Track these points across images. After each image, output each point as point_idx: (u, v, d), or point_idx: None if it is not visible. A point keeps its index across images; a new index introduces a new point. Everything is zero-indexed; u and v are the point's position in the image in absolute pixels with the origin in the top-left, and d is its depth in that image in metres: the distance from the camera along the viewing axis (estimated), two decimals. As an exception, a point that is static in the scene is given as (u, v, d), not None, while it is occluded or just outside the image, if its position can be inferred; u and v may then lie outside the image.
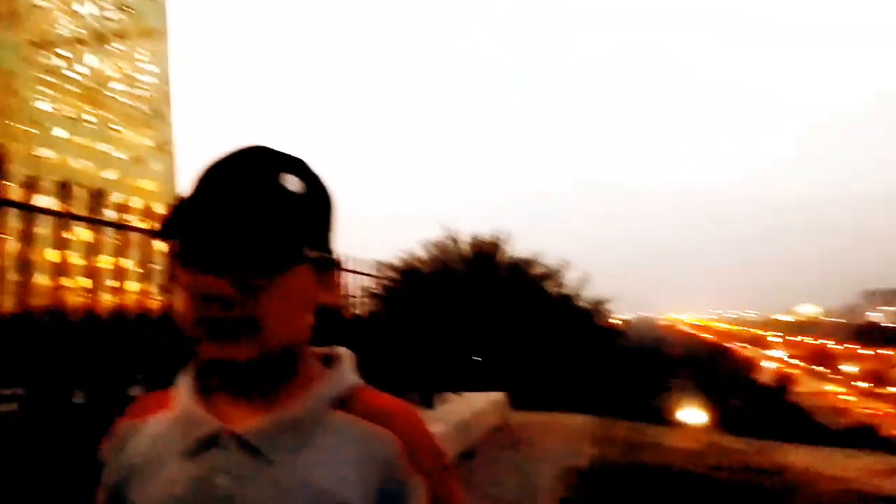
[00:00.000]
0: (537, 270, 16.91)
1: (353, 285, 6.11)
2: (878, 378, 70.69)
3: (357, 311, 6.31)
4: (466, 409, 7.89)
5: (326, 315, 0.88)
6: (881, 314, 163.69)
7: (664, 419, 16.69)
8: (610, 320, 17.77)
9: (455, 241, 16.85)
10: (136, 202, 3.80)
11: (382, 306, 7.09)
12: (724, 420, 16.55)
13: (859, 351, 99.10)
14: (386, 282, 7.05)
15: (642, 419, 13.70)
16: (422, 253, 17.02)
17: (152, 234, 3.48)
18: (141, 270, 3.69)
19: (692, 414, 20.37)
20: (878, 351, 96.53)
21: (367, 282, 6.54)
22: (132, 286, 3.74)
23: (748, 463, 7.81)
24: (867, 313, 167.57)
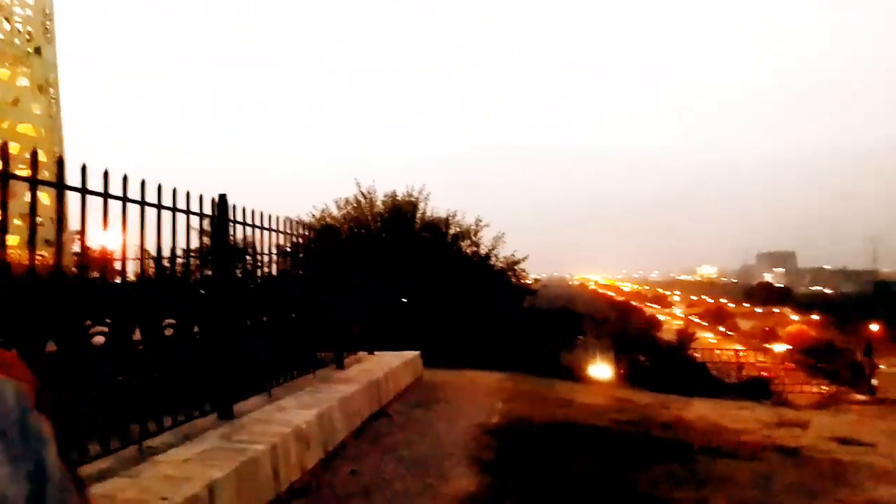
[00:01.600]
0: (453, 230, 16.84)
1: (265, 243, 5.80)
2: (770, 334, 75.76)
3: (269, 270, 6.01)
4: (379, 368, 7.76)
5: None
6: (773, 275, 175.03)
7: (574, 376, 17.19)
8: (524, 280, 17.96)
9: (370, 198, 16.49)
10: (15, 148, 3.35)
11: (294, 265, 6.80)
12: (631, 375, 17.17)
13: (755, 310, 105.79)
14: (298, 240, 6.74)
15: (551, 374, 14.05)
16: (335, 210, 16.60)
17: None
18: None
19: (600, 369, 21.09)
20: (771, 309, 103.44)
21: (279, 240, 6.23)
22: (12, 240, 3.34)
23: (653, 416, 8.09)
24: (764, 274, 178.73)
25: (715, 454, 6.00)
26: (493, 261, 16.80)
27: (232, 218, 4.88)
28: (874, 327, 64.10)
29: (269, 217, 5.69)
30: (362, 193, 16.47)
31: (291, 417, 4.91)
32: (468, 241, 16.82)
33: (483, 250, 16.86)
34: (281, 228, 5.94)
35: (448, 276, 14.82)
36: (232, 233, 4.89)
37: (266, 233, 5.68)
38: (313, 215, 16.39)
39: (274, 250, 5.96)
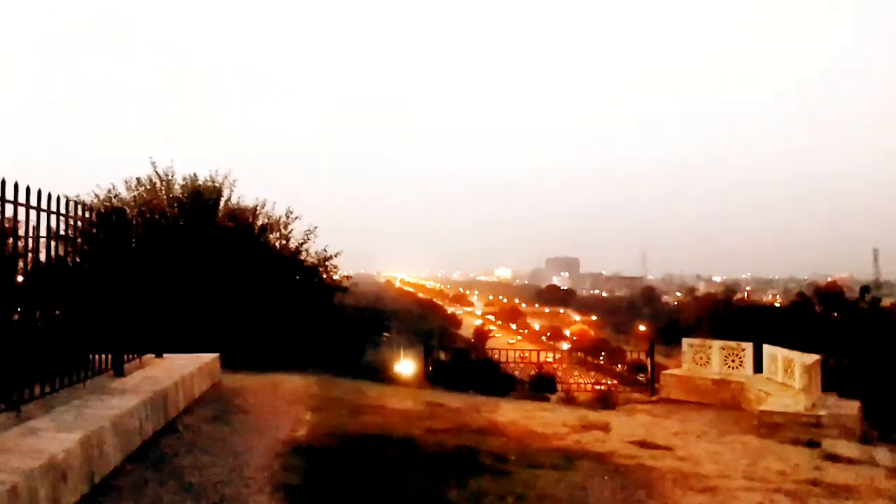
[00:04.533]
0: (261, 220, 15.66)
1: (33, 225, 4.66)
2: (557, 333, 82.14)
3: (43, 257, 4.86)
4: (167, 375, 6.71)
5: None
6: (559, 278, 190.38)
7: (379, 373, 16.89)
8: (334, 276, 17.25)
9: (166, 181, 14.75)
10: None
11: (76, 253, 5.62)
12: (433, 373, 17.25)
13: (544, 310, 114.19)
14: (78, 223, 5.56)
15: (359, 375, 13.59)
16: (125, 193, 14.65)
17: None
18: None
19: (405, 366, 21.08)
20: (558, 309, 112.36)
21: (55, 222, 5.07)
22: None
23: (466, 422, 7.91)
24: (553, 277, 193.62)
25: (531, 465, 5.87)
26: (303, 256, 15.89)
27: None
28: (642, 328, 72.26)
29: (28, 191, 4.55)
30: (158, 175, 14.70)
31: (45, 444, 3.88)
32: (277, 234, 15.75)
33: (293, 244, 15.89)
34: (41, 206, 4.79)
35: (254, 269, 13.70)
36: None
37: (29, 212, 4.57)
38: (96, 196, 14.32)
39: (39, 233, 4.83)
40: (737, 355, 13.52)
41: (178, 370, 7.20)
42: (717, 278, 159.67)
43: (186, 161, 16.05)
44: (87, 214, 5.93)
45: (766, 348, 12.88)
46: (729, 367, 13.51)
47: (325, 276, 16.29)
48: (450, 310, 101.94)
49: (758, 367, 13.22)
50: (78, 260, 6.06)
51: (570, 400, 17.07)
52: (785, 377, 11.67)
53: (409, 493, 4.73)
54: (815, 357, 11.20)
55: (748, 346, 13.48)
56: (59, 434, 4.13)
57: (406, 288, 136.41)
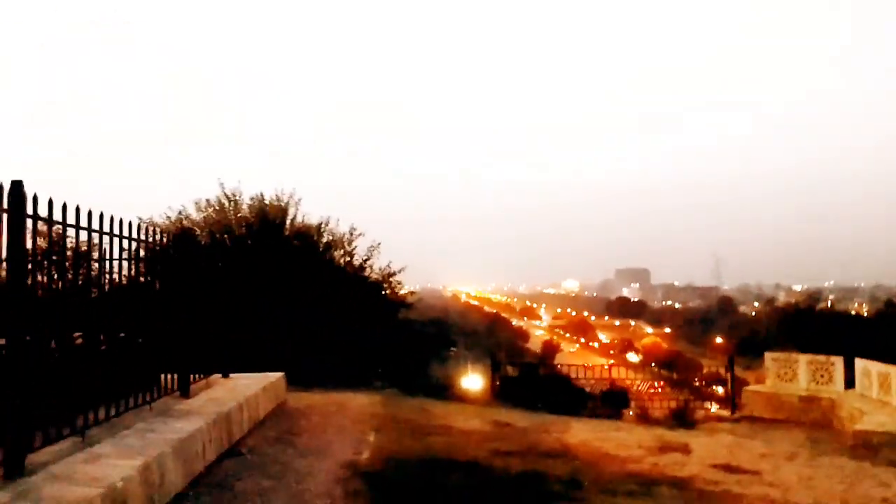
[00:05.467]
0: (326, 238, 15.79)
1: (111, 249, 4.76)
2: (628, 346, 79.97)
3: (115, 279, 4.94)
4: (232, 396, 6.69)
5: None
6: (629, 289, 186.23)
7: (445, 390, 16.68)
8: (399, 292, 17.21)
9: (234, 201, 15.07)
10: None
11: (147, 274, 5.69)
12: (502, 389, 16.89)
13: (614, 322, 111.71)
14: (152, 245, 5.63)
15: (425, 392, 13.40)
16: (195, 214, 15.03)
17: None
18: None
19: (472, 381, 20.81)
20: (629, 322, 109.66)
21: (128, 245, 5.16)
22: None
23: (536, 444, 7.58)
24: (623, 289, 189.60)
25: (605, 491, 5.52)
26: (367, 272, 15.91)
27: (32, 213, 3.78)
28: (719, 339, 69.48)
29: (101, 217, 4.59)
30: (226, 195, 15.04)
31: (105, 471, 3.83)
32: (342, 251, 15.83)
33: (357, 261, 15.94)
34: (115, 231, 4.83)
35: (320, 287, 13.78)
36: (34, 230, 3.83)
37: (102, 237, 4.64)
38: (168, 217, 14.75)
39: (114, 255, 4.92)
40: (826, 370, 12.66)
41: (243, 391, 7.18)
42: (798, 287, 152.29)
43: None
44: (158, 237, 5.99)
45: (858, 362, 12.00)
46: (817, 382, 12.66)
47: (389, 291, 16.26)
48: (517, 323, 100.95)
49: (849, 383, 12.33)
50: (149, 280, 6.15)
51: (644, 417, 16.40)
52: (881, 393, 10.83)
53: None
54: (915, 371, 10.34)
55: (838, 361, 12.61)
56: (120, 461, 4.09)
57: (472, 302, 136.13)
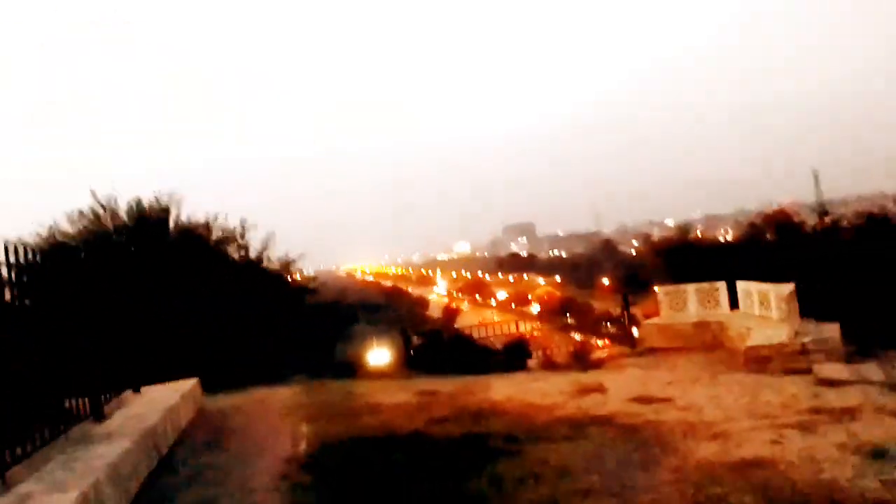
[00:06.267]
0: (216, 234, 15.16)
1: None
2: (524, 299, 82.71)
3: None
4: (151, 410, 6.40)
5: None
6: (517, 245, 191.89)
7: (357, 368, 16.63)
8: (298, 278, 16.88)
9: (110, 209, 14.11)
10: None
11: (17, 297, 5.22)
12: (413, 359, 17.05)
13: (508, 278, 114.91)
14: (21, 264, 5.17)
15: (338, 374, 13.35)
16: (69, 227, 13.95)
17: None
18: None
19: (380, 356, 20.85)
20: (521, 276, 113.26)
21: None
22: None
23: (464, 406, 7.78)
24: (511, 244, 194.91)
25: (541, 440, 5.78)
26: (265, 263, 15.48)
27: None
28: (605, 281, 73.22)
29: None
30: (101, 204, 14.04)
31: (41, 511, 3.61)
32: (235, 245, 15.28)
33: (253, 253, 15.46)
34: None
35: (215, 284, 13.26)
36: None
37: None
38: (39, 234, 13.61)
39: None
40: (712, 296, 13.72)
41: (161, 402, 6.88)
42: (670, 221, 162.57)
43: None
44: (29, 256, 5.53)
45: (740, 284, 13.08)
46: (706, 308, 13.70)
47: (290, 280, 15.94)
48: (416, 293, 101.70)
49: (734, 305, 13.44)
50: (28, 304, 5.68)
51: (550, 364, 17.09)
52: (762, 310, 11.88)
53: (428, 493, 4.58)
54: (789, 286, 11.38)
55: (722, 286, 13.69)
56: (53, 496, 3.85)
57: (368, 278, 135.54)
